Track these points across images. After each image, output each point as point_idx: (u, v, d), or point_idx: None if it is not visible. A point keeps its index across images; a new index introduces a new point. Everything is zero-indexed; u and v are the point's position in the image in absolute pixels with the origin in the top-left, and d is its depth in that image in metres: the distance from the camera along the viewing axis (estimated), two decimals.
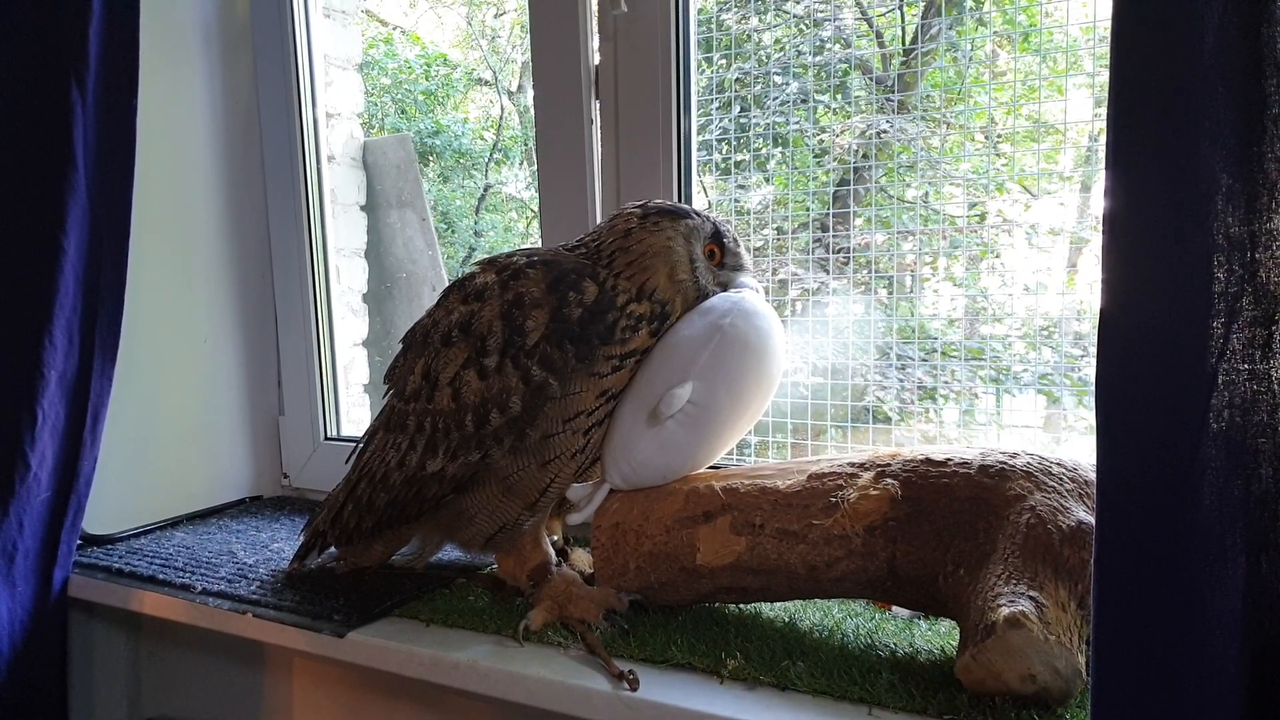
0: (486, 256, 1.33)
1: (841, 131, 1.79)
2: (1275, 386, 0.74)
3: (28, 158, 1.49)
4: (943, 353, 1.65)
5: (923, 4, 1.81)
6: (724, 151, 1.77)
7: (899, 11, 1.89)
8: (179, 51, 1.90)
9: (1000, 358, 1.63)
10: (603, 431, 1.27)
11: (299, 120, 2.00)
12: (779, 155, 1.84)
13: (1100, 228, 0.80)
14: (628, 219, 1.27)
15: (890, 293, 1.66)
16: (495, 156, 4.09)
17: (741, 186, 1.84)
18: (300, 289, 2.03)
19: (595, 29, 1.63)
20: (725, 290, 1.30)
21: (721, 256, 1.31)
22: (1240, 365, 0.74)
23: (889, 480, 1.11)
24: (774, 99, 1.75)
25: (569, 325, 1.19)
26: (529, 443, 1.21)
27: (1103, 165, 0.80)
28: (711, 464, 1.31)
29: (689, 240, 1.26)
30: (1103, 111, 0.80)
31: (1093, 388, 0.80)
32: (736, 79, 1.77)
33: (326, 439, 2.06)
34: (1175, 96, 0.76)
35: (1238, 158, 0.73)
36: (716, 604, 1.27)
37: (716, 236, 1.30)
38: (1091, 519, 0.96)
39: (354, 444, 1.45)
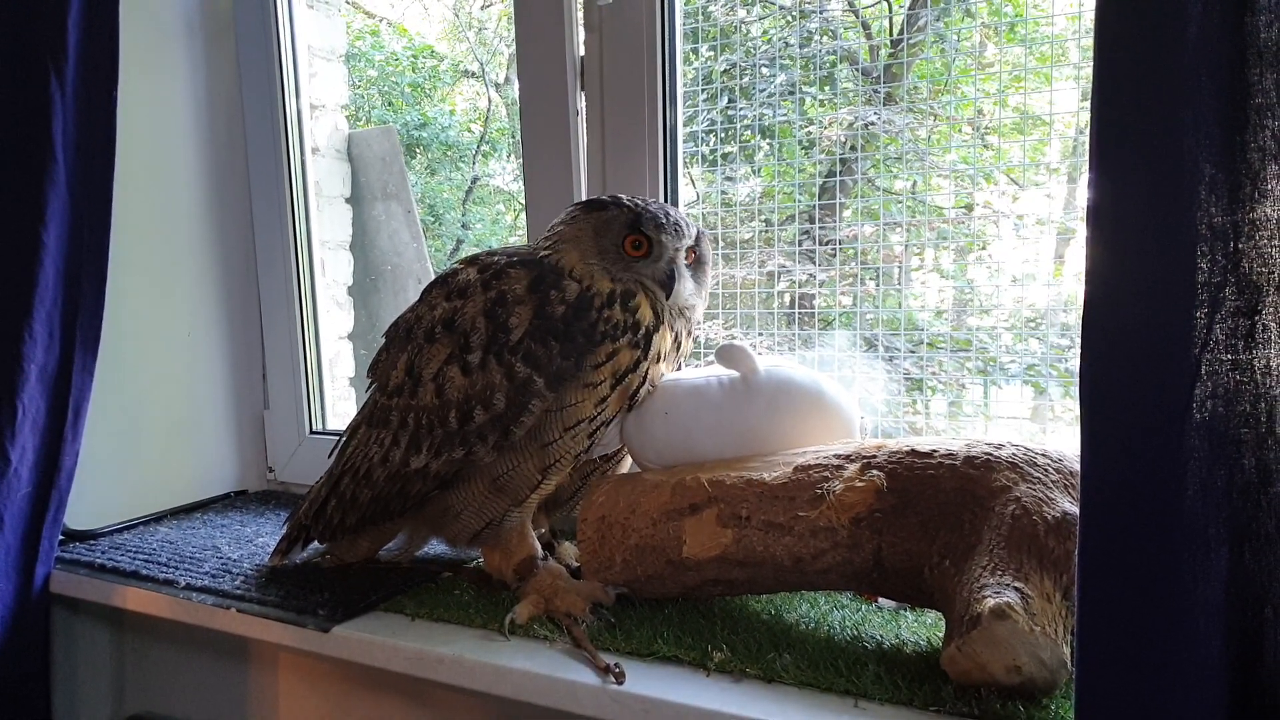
0: (468, 255, 1.33)
1: (829, 123, 1.78)
2: (1258, 377, 0.74)
3: (6, 150, 1.48)
4: (930, 344, 1.64)
5: None
6: (711, 143, 1.76)
7: (886, 3, 1.89)
8: (160, 42, 1.88)
9: (988, 349, 1.63)
10: (611, 428, 1.28)
11: (283, 112, 1.98)
12: (767, 147, 1.83)
13: (1085, 221, 0.80)
14: (567, 210, 1.30)
15: (878, 284, 1.66)
16: (483, 149, 4.07)
17: (729, 178, 1.83)
18: (285, 282, 2.02)
19: (580, 20, 1.63)
20: (646, 281, 1.25)
21: (649, 248, 1.24)
22: (1223, 355, 0.74)
23: (875, 472, 1.11)
24: (761, 91, 1.74)
25: (553, 322, 1.19)
26: (514, 440, 1.21)
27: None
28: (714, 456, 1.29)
29: (598, 233, 1.24)
30: (1088, 103, 0.79)
31: (1078, 382, 0.80)
32: (724, 71, 1.76)
33: (312, 433, 2.05)
34: (1159, 87, 0.76)
35: (1221, 147, 0.73)
36: (703, 597, 1.27)
37: (634, 226, 1.24)
38: (1076, 510, 0.96)
39: (339, 437, 1.44)
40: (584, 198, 1.64)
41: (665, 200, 1.60)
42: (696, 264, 1.30)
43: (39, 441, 1.52)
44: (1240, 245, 0.73)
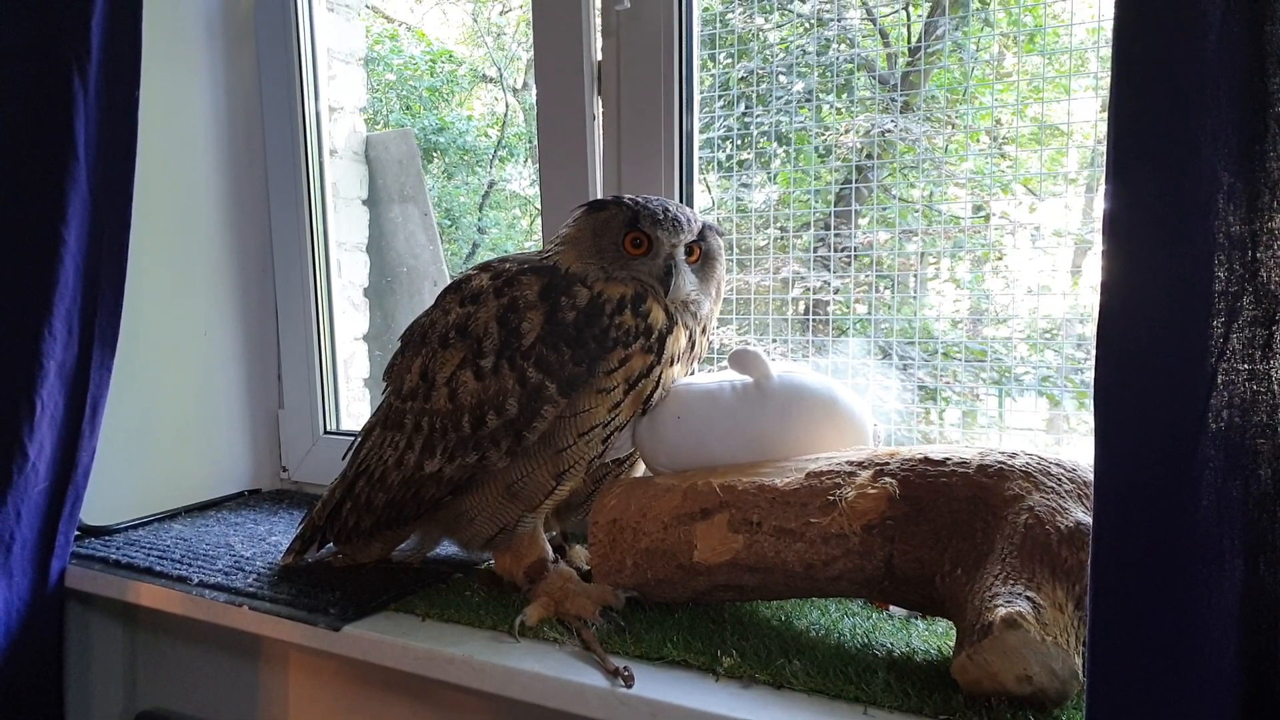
0: (483, 261, 1.34)
1: (846, 131, 1.78)
2: (1275, 387, 0.73)
3: (29, 148, 1.49)
4: (945, 354, 1.64)
5: (928, 4, 1.80)
6: (728, 150, 1.76)
7: (904, 11, 1.89)
8: (181, 43, 1.90)
9: (1003, 359, 1.62)
10: (624, 432, 1.28)
11: (301, 114, 2.00)
12: (783, 154, 1.83)
13: (1101, 229, 0.79)
14: (572, 212, 1.31)
15: (893, 293, 1.65)
16: (500, 153, 4.08)
17: (745, 185, 1.83)
18: (301, 283, 2.03)
19: (598, 25, 1.63)
20: (644, 278, 1.24)
21: (648, 245, 1.24)
22: (1240, 365, 0.74)
23: (887, 479, 1.10)
24: (778, 98, 1.74)
25: (565, 328, 1.20)
26: (527, 445, 1.22)
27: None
28: (726, 461, 1.29)
29: (597, 233, 1.25)
30: (1107, 112, 0.80)
31: (1093, 391, 0.80)
32: (741, 78, 1.77)
33: (326, 433, 2.06)
34: (1177, 94, 0.75)
35: (1239, 156, 0.73)
36: (713, 601, 1.27)
37: (632, 223, 1.24)
38: (1090, 520, 0.95)
39: (353, 438, 1.44)
40: None
41: None
42: (704, 259, 1.29)
43: (57, 437, 1.53)
44: (1259, 254, 0.73)
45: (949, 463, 1.10)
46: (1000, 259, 1.69)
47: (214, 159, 1.97)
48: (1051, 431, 1.63)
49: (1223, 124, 0.73)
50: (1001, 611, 0.92)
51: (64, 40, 1.47)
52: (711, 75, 1.72)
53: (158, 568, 1.50)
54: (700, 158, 1.67)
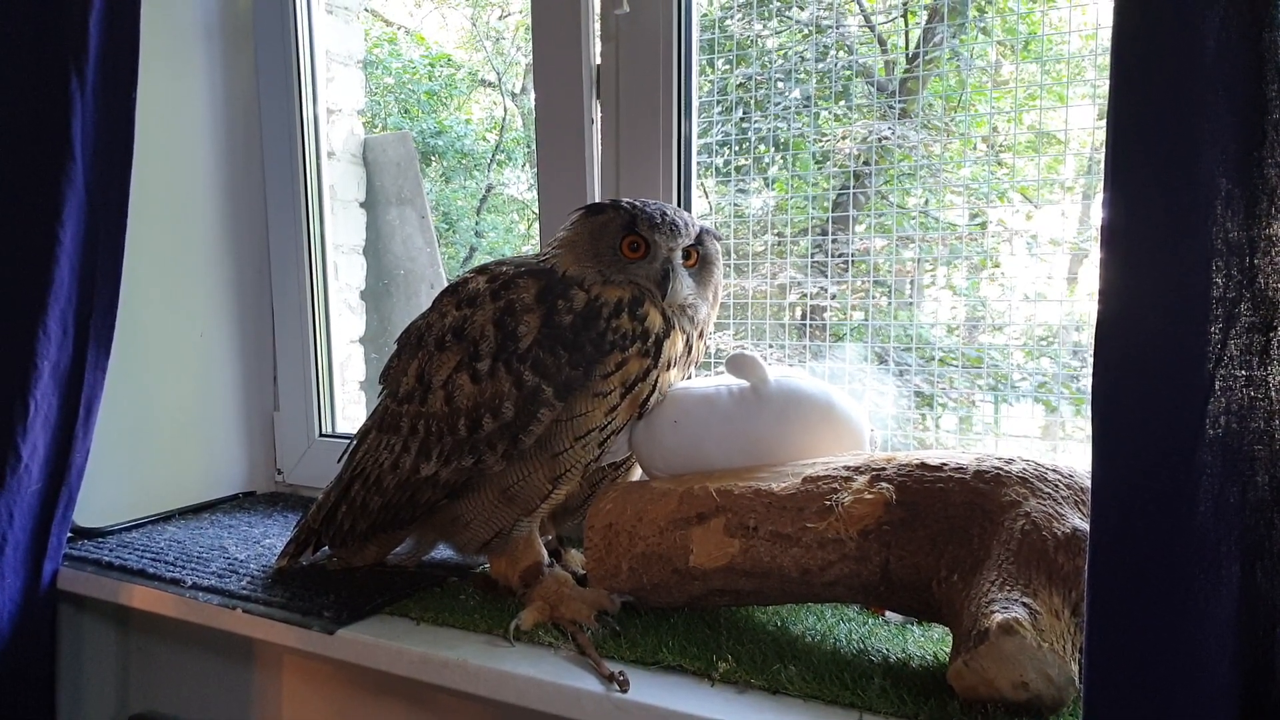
0: (479, 264, 1.34)
1: (843, 137, 1.79)
2: (1273, 393, 0.73)
3: (25, 148, 1.49)
4: (941, 360, 1.64)
5: (925, 11, 1.81)
6: (725, 156, 1.76)
7: (902, 19, 1.89)
8: (180, 44, 1.90)
9: (999, 366, 1.63)
10: (621, 436, 1.28)
11: (299, 115, 2.00)
12: (780, 160, 1.84)
13: (1099, 235, 0.80)
14: (570, 215, 1.30)
15: (890, 299, 1.66)
16: (498, 158, 4.09)
17: (742, 191, 1.84)
18: (298, 284, 2.03)
19: (597, 30, 1.63)
20: (641, 282, 1.24)
21: (646, 248, 1.24)
22: (1238, 371, 0.74)
23: (884, 484, 1.10)
24: (776, 104, 1.75)
25: (561, 331, 1.19)
26: (523, 449, 1.22)
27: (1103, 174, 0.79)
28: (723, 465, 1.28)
29: (594, 236, 1.25)
30: (1104, 121, 0.80)
31: (1090, 397, 0.80)
32: (739, 84, 1.77)
33: (321, 436, 2.05)
34: (1176, 101, 0.75)
35: (1237, 162, 0.73)
36: (709, 606, 1.26)
37: (630, 227, 1.24)
38: (1086, 526, 0.95)
39: (348, 441, 1.44)
40: None
41: None
42: (701, 264, 1.29)
43: (50, 438, 1.52)
44: (1256, 260, 0.73)
45: (946, 468, 1.09)
46: (997, 266, 1.69)
47: (211, 160, 1.97)
48: (1047, 438, 1.63)
49: (1221, 130, 0.73)
50: (998, 617, 0.92)
51: (61, 39, 1.47)
52: (710, 81, 1.73)
53: (151, 570, 1.49)
54: (698, 163, 1.68)
